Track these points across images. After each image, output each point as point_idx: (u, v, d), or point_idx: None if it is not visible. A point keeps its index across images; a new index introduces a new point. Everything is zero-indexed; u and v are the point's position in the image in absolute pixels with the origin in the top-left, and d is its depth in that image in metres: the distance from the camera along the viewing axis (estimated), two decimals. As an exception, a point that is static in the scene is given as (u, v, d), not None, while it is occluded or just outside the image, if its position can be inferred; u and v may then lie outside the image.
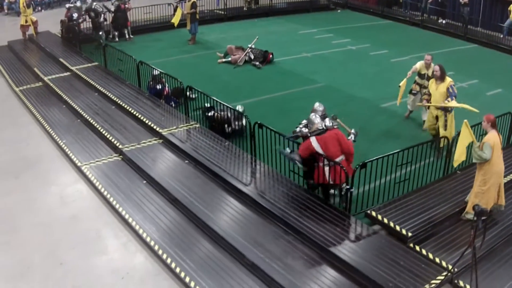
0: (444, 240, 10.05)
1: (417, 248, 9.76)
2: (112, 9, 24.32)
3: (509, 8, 26.09)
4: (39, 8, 32.70)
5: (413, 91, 16.04)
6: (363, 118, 16.20)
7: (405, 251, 9.59)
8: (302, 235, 10.06)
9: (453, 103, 13.42)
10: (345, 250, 9.56)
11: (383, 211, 10.57)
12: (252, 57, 21.39)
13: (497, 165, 10.24)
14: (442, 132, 13.64)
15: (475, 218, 8.28)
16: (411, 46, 24.83)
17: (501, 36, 26.05)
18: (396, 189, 11.31)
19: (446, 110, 13.61)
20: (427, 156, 11.76)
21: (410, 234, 9.89)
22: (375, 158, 10.86)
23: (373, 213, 10.53)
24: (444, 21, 29.22)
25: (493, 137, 10.21)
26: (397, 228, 10.06)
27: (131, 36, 25.25)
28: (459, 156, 10.71)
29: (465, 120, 10.43)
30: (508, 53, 24.36)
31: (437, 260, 9.43)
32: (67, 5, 24.14)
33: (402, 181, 11.31)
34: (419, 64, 15.80)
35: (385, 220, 10.28)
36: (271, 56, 21.53)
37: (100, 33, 23.89)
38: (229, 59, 21.66)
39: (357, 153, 13.54)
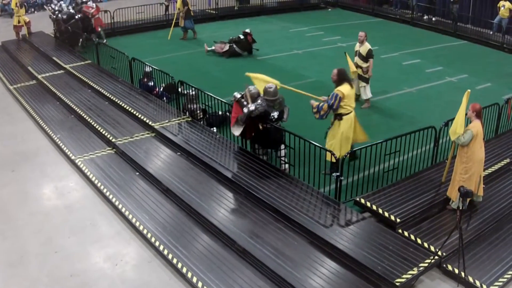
0: (432, 226, 10.24)
1: (406, 233, 9.95)
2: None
3: (498, 5, 26.36)
4: (32, 9, 32.72)
5: None
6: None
7: (394, 236, 9.76)
8: (293, 222, 10.22)
9: (313, 98, 12.79)
10: (334, 235, 9.73)
11: (372, 199, 10.76)
12: (235, 46, 22.15)
13: (478, 154, 10.33)
14: (328, 141, 12.35)
15: (460, 199, 8.45)
16: (401, 43, 25.14)
17: (491, 32, 26.23)
18: (385, 178, 11.53)
19: (337, 115, 12.19)
20: (416, 146, 11.92)
21: (398, 220, 10.08)
22: (363, 146, 11.05)
23: (362, 200, 10.72)
24: (434, 19, 29.45)
25: (476, 125, 10.27)
26: (386, 214, 10.25)
27: (105, 41, 23.53)
28: (457, 127, 10.26)
29: (468, 90, 10.49)
30: (498, 48, 24.64)
31: (425, 244, 9.62)
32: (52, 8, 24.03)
33: (391, 170, 11.52)
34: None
35: (374, 207, 10.47)
36: (251, 37, 22.15)
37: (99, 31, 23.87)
38: (213, 47, 22.60)
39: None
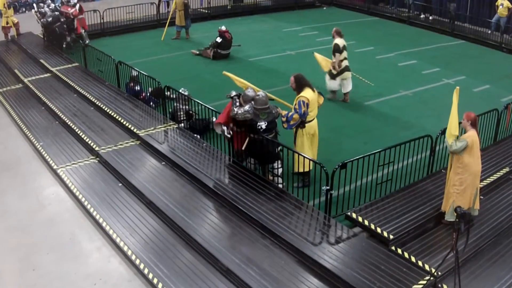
0: (427, 242, 9.72)
1: (399, 251, 9.43)
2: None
3: (496, 3, 25.87)
4: (23, 9, 32.23)
5: None
6: (346, 116, 15.99)
7: (386, 254, 9.22)
8: (280, 239, 9.69)
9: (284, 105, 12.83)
10: (323, 254, 9.19)
11: (364, 213, 10.24)
12: (219, 51, 21.70)
13: (475, 166, 9.78)
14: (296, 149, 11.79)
15: (456, 220, 7.94)
16: (397, 43, 24.63)
17: (489, 31, 25.77)
18: (378, 190, 10.99)
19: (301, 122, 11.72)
20: (411, 154, 11.38)
21: (392, 237, 9.56)
22: (355, 158, 10.54)
23: (354, 215, 10.19)
24: (431, 17, 28.97)
25: (471, 135, 9.72)
26: (378, 230, 9.73)
27: (87, 41, 22.48)
28: (452, 128, 9.67)
29: (457, 87, 9.80)
30: (496, 48, 24.12)
31: (420, 263, 9.09)
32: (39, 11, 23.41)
33: (384, 182, 10.99)
34: None
35: (366, 222, 9.95)
36: (229, 34, 21.68)
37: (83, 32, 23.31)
38: (197, 52, 22.32)
39: (339, 152, 13.43)
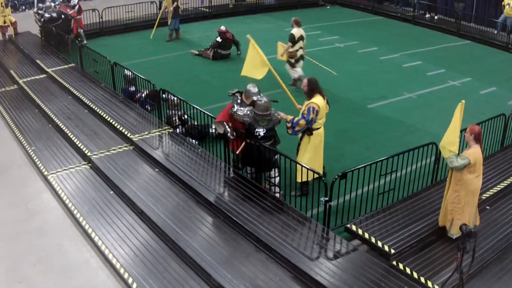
0: (430, 256, 9.18)
1: (401, 266, 8.91)
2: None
3: (503, 3, 25.30)
4: (23, 7, 31.81)
5: None
6: (348, 120, 15.50)
7: (387, 270, 8.72)
8: (275, 253, 9.21)
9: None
10: (320, 270, 8.69)
11: (364, 225, 9.72)
12: (219, 51, 21.31)
13: (474, 184, 9.18)
14: (298, 159, 11.42)
15: (461, 239, 7.42)
16: (402, 43, 24.08)
17: (495, 31, 25.26)
18: (380, 200, 10.50)
19: (307, 129, 11.28)
20: (414, 161, 10.86)
21: (393, 251, 9.06)
22: (355, 168, 10.05)
23: (353, 227, 9.68)
24: (436, 17, 28.45)
25: (475, 153, 9.05)
26: (379, 244, 9.22)
27: (84, 42, 22.18)
28: (451, 145, 9.05)
29: (462, 101, 9.08)
30: (502, 49, 23.58)
31: (422, 279, 8.57)
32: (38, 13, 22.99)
33: (386, 192, 10.49)
34: None
35: (366, 235, 9.44)
36: (230, 33, 21.25)
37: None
38: (197, 52, 21.84)
39: (341, 157, 12.96)
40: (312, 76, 11.61)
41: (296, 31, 17.19)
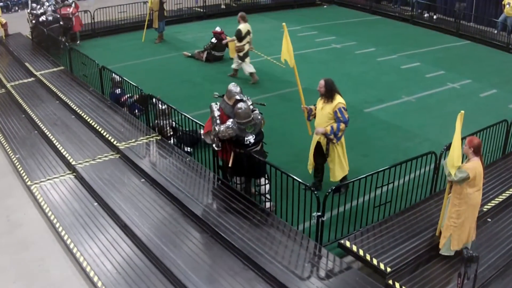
0: (429, 274, 8.67)
1: (397, 285, 8.40)
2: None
3: (503, 2, 24.84)
4: (16, 8, 31.33)
5: None
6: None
7: (383, 291, 8.24)
8: (263, 271, 8.67)
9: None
10: (311, 291, 8.21)
11: (359, 241, 9.19)
12: (213, 52, 20.93)
13: (474, 198, 8.68)
14: (331, 168, 11.39)
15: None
16: (400, 44, 23.60)
17: (495, 31, 24.79)
18: (376, 212, 9.98)
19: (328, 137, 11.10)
20: (412, 170, 10.35)
21: (389, 270, 8.54)
22: (350, 180, 9.54)
23: (347, 243, 9.16)
24: (435, 17, 27.95)
25: (474, 167, 8.55)
26: (374, 262, 8.70)
27: (78, 42, 22.95)
28: (455, 160, 8.55)
29: (462, 112, 8.53)
30: (503, 49, 23.12)
31: (420, 301, 8.11)
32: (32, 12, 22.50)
33: (383, 204, 9.98)
34: None
35: (361, 252, 8.92)
36: (224, 35, 20.73)
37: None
38: (190, 54, 21.49)
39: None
40: (328, 77, 11.24)
41: (243, 27, 17.70)
